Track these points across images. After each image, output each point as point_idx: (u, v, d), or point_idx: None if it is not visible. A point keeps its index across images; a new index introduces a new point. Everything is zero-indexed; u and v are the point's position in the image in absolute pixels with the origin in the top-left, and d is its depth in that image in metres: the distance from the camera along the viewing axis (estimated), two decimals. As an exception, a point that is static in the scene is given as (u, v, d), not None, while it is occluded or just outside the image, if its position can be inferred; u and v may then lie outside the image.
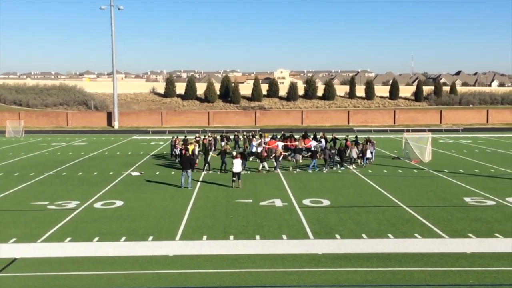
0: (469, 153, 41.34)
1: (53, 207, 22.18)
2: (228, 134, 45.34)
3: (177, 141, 36.93)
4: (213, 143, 38.15)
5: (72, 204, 22.72)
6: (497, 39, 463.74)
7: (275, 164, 32.13)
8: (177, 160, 35.20)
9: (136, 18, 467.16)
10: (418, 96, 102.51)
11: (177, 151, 35.22)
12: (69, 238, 17.33)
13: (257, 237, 17.38)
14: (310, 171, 31.47)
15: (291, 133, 42.53)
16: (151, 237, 17.40)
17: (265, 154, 32.87)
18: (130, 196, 24.44)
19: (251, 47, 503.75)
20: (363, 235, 17.48)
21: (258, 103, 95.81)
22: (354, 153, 33.67)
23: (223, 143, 36.66)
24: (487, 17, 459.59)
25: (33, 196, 24.59)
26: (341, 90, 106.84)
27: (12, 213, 21.06)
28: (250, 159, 34.93)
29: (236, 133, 43.86)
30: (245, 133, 45.00)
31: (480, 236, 17.39)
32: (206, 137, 38.63)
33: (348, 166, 32.95)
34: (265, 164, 31.59)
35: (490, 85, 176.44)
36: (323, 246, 16.25)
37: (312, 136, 40.48)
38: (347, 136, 44.41)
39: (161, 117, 78.93)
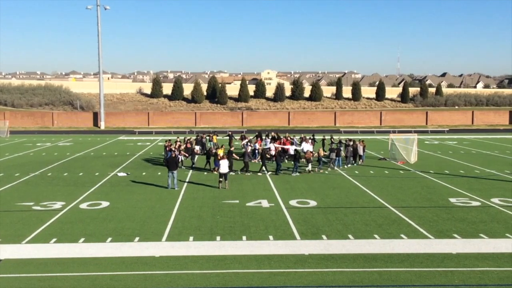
0: (455, 154, 41.67)
1: (38, 208, 21.98)
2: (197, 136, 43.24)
3: (180, 146, 34.71)
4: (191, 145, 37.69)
5: (58, 205, 22.53)
6: (482, 41, 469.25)
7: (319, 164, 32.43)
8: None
9: (123, 18, 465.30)
10: (404, 97, 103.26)
11: (182, 157, 32.74)
12: (54, 239, 17.18)
13: (244, 238, 17.38)
14: (336, 167, 32.85)
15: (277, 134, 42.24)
16: (137, 238, 17.32)
17: (312, 154, 32.72)
18: (116, 197, 24.30)
19: (238, 48, 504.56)
20: (350, 236, 17.55)
21: (245, 104, 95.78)
22: (361, 150, 35.11)
23: (197, 147, 36.79)
24: (473, 20, 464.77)
25: (18, 196, 24.34)
26: (328, 91, 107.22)
27: (-4, 214, 20.83)
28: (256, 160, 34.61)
29: (201, 134, 42.00)
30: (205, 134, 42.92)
31: (465, 236, 17.54)
32: (190, 139, 38.24)
33: (359, 163, 35.09)
34: (310, 165, 31.75)
35: (475, 87, 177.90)
36: (309, 247, 16.29)
37: (263, 137, 40.20)
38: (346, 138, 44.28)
39: (147, 118, 78.53)
